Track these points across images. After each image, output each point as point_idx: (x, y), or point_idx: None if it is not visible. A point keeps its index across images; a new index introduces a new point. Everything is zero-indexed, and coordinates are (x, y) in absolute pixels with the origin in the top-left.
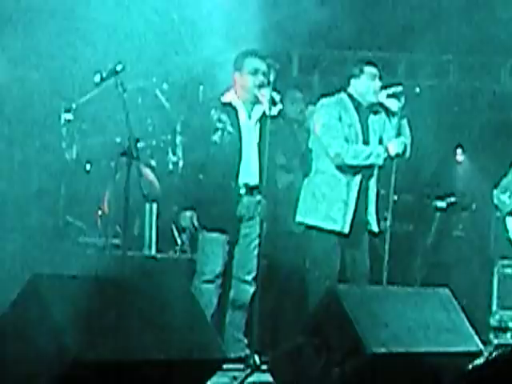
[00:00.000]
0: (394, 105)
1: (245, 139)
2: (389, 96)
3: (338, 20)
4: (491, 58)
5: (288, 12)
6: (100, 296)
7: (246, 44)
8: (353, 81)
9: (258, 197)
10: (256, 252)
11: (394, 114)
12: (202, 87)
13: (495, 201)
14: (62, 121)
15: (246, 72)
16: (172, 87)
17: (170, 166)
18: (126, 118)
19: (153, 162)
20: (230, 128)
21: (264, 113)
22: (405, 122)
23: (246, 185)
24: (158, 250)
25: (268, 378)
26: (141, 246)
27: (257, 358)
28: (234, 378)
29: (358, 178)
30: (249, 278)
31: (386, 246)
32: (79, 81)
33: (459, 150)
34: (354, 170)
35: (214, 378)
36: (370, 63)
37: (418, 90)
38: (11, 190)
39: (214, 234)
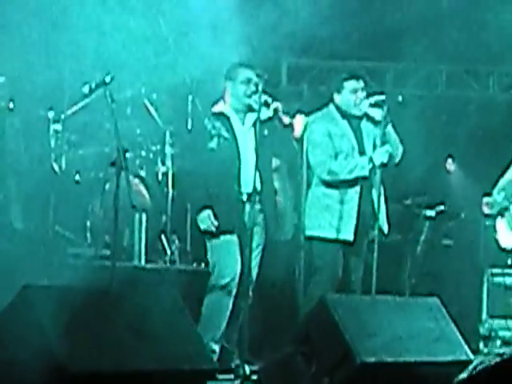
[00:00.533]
0: (377, 114)
1: (241, 146)
2: (371, 105)
3: (328, 30)
4: (479, 66)
5: (277, 22)
6: (90, 307)
7: (234, 54)
8: (335, 96)
9: (259, 205)
10: (257, 261)
11: (377, 122)
12: (190, 97)
13: (490, 199)
14: (51, 131)
15: (238, 81)
16: (161, 97)
17: (160, 177)
18: (114, 129)
19: (142, 173)
20: (225, 134)
21: (257, 119)
22: (389, 129)
23: (247, 193)
24: (147, 261)
25: None
26: (130, 257)
27: (247, 367)
28: None
29: (358, 186)
30: (249, 286)
31: (375, 255)
32: (68, 91)
33: (450, 160)
34: (342, 183)
35: None
36: (349, 78)
37: (400, 98)
38: None
39: (228, 236)
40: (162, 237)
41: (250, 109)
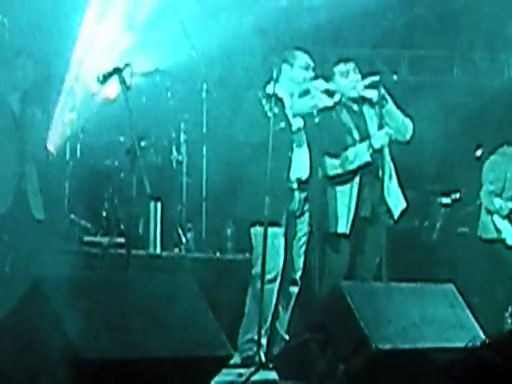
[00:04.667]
0: (373, 95)
1: (294, 132)
2: (366, 87)
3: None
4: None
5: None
6: (105, 295)
7: (242, 43)
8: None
9: (306, 192)
10: (303, 249)
11: (374, 104)
12: (205, 85)
13: (489, 205)
14: (66, 120)
15: (297, 66)
16: (176, 85)
17: (174, 165)
18: (129, 117)
19: (157, 161)
20: (280, 120)
21: (311, 105)
22: (392, 107)
23: (298, 179)
24: (162, 249)
25: (273, 375)
26: (146, 245)
27: (262, 355)
28: (240, 375)
29: (357, 178)
30: (296, 276)
31: (383, 240)
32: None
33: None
34: (347, 175)
35: (220, 376)
36: (338, 62)
37: (395, 77)
38: (16, 189)
39: (273, 228)
40: (177, 225)
41: (306, 94)
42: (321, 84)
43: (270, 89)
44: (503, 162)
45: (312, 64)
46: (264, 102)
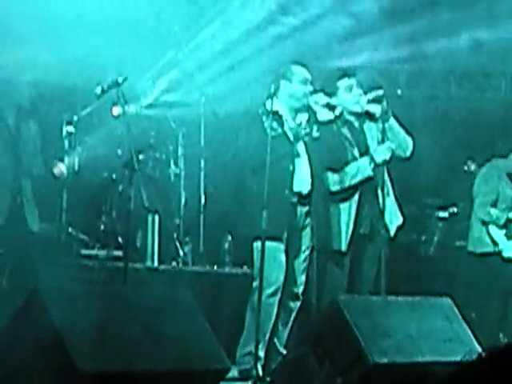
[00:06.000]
0: (376, 109)
1: (295, 147)
2: (370, 101)
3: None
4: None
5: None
6: (102, 308)
7: (242, 53)
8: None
9: (308, 207)
10: (306, 264)
11: (377, 119)
12: (203, 98)
13: (485, 216)
14: (64, 133)
15: (296, 81)
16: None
17: (172, 178)
18: (127, 130)
19: (155, 174)
20: (282, 135)
21: (309, 119)
22: (393, 123)
23: (298, 193)
24: (159, 262)
25: None
26: (143, 258)
27: (260, 368)
28: None
29: (356, 195)
30: (299, 290)
31: (382, 255)
32: (81, 93)
33: (469, 162)
34: (348, 191)
35: None
36: (341, 77)
37: (399, 92)
38: (12, 202)
39: (274, 243)
40: (175, 238)
41: (305, 108)
42: (320, 98)
43: (268, 105)
44: (495, 175)
45: (310, 78)
46: (264, 118)
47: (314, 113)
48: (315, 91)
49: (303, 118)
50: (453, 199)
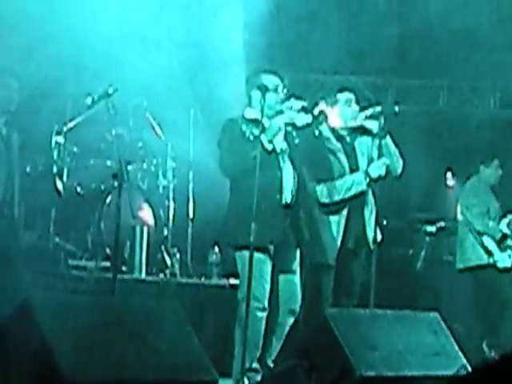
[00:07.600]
0: (373, 126)
1: (278, 154)
2: (367, 117)
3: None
4: (480, 82)
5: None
6: (90, 319)
7: (233, 67)
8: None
9: (292, 217)
10: (298, 279)
11: (374, 135)
12: (192, 111)
13: (482, 226)
14: (53, 143)
15: (268, 90)
16: (163, 110)
17: (161, 190)
18: (116, 141)
19: (143, 185)
20: (264, 142)
21: (289, 124)
22: (388, 141)
23: (285, 204)
24: (147, 273)
25: None
26: (131, 269)
27: (246, 381)
28: None
29: (345, 210)
30: (296, 307)
31: (372, 270)
32: (70, 103)
33: (449, 175)
34: (340, 204)
35: None
36: (342, 90)
37: (397, 109)
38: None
39: (261, 255)
40: (163, 250)
41: (281, 115)
42: (294, 103)
43: (247, 113)
44: (481, 187)
45: (281, 84)
46: (244, 126)
47: (291, 118)
48: (289, 97)
49: (280, 124)
50: (441, 214)
